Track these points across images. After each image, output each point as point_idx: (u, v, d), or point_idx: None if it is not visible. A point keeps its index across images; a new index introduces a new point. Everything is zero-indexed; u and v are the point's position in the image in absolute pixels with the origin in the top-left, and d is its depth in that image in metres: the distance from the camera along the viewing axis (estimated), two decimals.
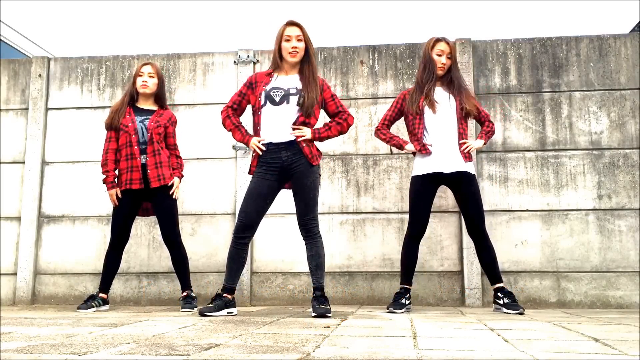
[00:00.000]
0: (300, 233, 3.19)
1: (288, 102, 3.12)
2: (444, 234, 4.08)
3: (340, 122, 3.25)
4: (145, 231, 4.28)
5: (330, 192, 4.21)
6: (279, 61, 3.24)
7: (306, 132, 3.13)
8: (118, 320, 2.78)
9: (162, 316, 3.07)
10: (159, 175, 3.54)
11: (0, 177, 4.45)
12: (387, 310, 3.31)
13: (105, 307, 3.61)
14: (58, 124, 4.50)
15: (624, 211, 4.00)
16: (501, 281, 3.42)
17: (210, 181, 4.30)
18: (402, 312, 3.28)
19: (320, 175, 3.23)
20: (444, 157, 3.40)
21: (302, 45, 3.18)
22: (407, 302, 3.43)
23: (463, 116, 3.46)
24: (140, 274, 4.28)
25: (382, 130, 3.61)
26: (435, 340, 2.05)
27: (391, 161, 4.20)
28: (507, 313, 3.23)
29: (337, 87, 4.33)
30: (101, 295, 3.60)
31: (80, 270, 4.27)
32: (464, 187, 3.42)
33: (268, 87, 3.17)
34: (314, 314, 2.95)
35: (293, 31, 3.17)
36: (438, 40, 3.50)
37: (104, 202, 4.29)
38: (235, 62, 4.40)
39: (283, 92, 3.13)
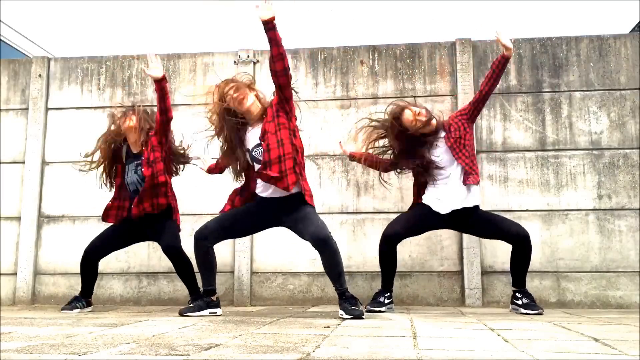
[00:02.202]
0: (317, 249, 3.04)
1: None
2: (444, 234, 4.08)
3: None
4: None
5: (330, 192, 4.21)
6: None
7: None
8: (118, 320, 2.78)
9: (162, 316, 3.07)
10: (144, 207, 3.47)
11: (0, 177, 4.45)
12: (366, 310, 3.26)
13: (89, 309, 3.58)
14: (58, 124, 4.50)
15: (624, 211, 4.00)
16: (524, 286, 3.40)
17: (210, 181, 4.29)
18: (382, 310, 3.29)
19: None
20: (451, 197, 3.35)
21: (243, 92, 3.13)
22: (387, 300, 3.40)
23: (461, 142, 3.39)
24: (140, 274, 4.27)
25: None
26: (435, 340, 2.05)
27: None
28: (526, 313, 3.21)
29: (337, 87, 4.33)
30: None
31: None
32: (475, 222, 3.41)
33: (250, 147, 3.17)
34: (348, 316, 2.86)
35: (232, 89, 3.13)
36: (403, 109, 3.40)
37: (104, 202, 4.28)
38: (235, 62, 4.40)
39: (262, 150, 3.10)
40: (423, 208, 3.41)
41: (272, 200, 3.12)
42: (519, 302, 3.32)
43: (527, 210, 4.06)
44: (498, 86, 4.21)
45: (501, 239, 3.45)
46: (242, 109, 3.14)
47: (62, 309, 3.48)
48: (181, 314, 3.04)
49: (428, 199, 3.41)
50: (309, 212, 3.08)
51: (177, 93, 4.44)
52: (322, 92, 4.33)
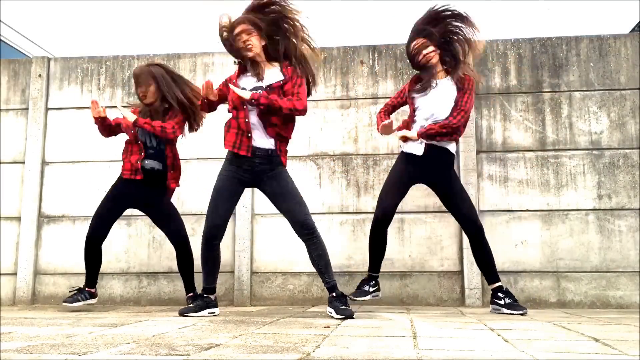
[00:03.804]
0: (300, 236, 3.06)
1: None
2: (444, 234, 4.08)
3: (292, 100, 3.02)
4: (145, 231, 4.28)
5: (330, 192, 4.21)
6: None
7: (244, 94, 2.97)
8: (118, 320, 2.78)
9: (162, 316, 3.07)
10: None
11: (0, 177, 4.45)
12: (350, 298, 3.23)
13: (93, 301, 3.57)
14: (58, 124, 4.50)
15: (624, 211, 4.00)
16: (499, 280, 3.37)
17: (210, 181, 4.26)
18: (367, 299, 3.27)
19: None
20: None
21: (253, 39, 3.04)
22: (372, 289, 3.37)
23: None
24: (140, 274, 4.27)
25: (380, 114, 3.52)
26: (435, 340, 2.05)
27: (391, 161, 4.19)
28: (509, 314, 3.20)
29: (337, 87, 4.33)
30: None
31: (80, 270, 4.26)
32: (449, 184, 3.36)
33: (248, 87, 3.08)
34: (338, 316, 2.84)
35: (241, 28, 3.05)
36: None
37: None
38: (235, 62, 4.39)
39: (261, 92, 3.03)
40: (397, 164, 3.41)
41: (254, 156, 3.04)
42: (501, 302, 3.28)
43: (527, 210, 4.06)
44: (498, 86, 4.22)
45: (457, 220, 3.40)
46: (249, 52, 3.06)
47: (64, 302, 3.43)
48: (181, 314, 3.04)
49: (407, 145, 3.37)
50: (292, 185, 3.07)
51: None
52: (322, 92, 4.33)
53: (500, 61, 4.24)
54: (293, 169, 4.25)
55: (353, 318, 2.83)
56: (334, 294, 2.95)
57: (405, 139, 3.35)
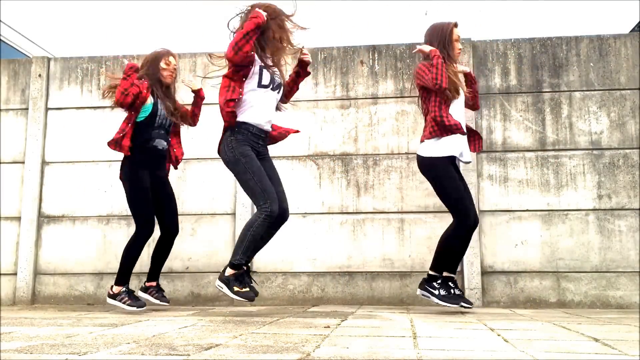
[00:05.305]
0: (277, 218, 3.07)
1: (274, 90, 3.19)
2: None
3: None
4: None
5: (330, 192, 4.21)
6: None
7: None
8: (118, 320, 2.78)
9: (162, 316, 3.07)
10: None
11: (0, 177, 4.45)
12: (465, 306, 3.18)
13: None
14: (58, 124, 4.50)
15: (624, 211, 4.00)
16: (455, 273, 3.33)
17: (210, 181, 4.29)
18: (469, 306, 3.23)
19: None
20: (464, 144, 3.32)
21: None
22: (458, 291, 3.30)
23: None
24: (141, 273, 4.27)
25: None
26: (435, 340, 2.05)
27: (391, 161, 4.20)
28: (443, 305, 3.19)
29: (337, 87, 4.33)
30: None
31: (80, 270, 4.27)
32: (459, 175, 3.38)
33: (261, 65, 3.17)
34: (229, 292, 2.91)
35: None
36: (456, 25, 3.42)
37: (104, 202, 4.30)
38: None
39: (270, 77, 3.16)
40: (446, 165, 3.26)
41: (259, 137, 3.18)
42: (436, 292, 3.23)
43: (527, 210, 4.06)
44: (498, 86, 4.22)
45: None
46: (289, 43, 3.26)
47: (137, 307, 3.36)
48: (251, 299, 2.93)
49: (447, 147, 3.25)
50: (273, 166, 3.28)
51: (177, 93, 4.43)
52: (322, 92, 4.33)
53: (500, 61, 4.24)
54: (293, 169, 4.26)
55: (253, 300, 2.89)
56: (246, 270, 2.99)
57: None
